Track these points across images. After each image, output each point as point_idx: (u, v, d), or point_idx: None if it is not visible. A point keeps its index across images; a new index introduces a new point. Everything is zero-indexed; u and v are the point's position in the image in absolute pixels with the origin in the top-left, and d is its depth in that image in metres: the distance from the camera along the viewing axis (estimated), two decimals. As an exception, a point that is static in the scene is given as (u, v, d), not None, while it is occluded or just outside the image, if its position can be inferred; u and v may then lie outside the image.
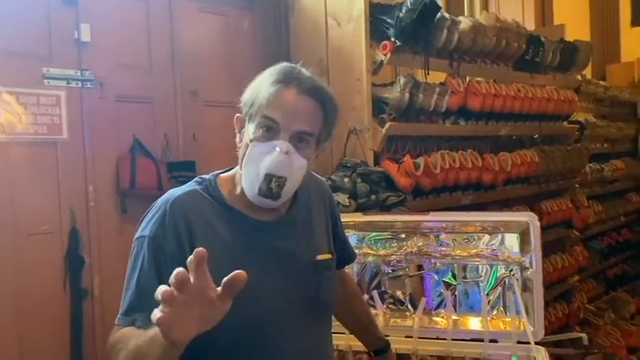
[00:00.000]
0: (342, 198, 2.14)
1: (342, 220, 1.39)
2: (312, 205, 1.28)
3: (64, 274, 2.12)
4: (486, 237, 1.89)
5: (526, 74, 3.24)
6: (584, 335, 1.82)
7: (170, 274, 1.07)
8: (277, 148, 1.10)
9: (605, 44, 5.77)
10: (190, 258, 0.83)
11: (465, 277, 1.93)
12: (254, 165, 1.11)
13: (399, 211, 2.11)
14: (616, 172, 4.87)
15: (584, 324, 3.79)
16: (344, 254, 1.37)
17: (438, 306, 1.92)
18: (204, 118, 2.62)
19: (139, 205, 2.31)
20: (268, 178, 1.10)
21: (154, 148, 2.40)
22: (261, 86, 1.13)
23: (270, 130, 1.12)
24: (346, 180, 2.21)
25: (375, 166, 2.36)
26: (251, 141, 1.12)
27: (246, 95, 1.15)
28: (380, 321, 1.88)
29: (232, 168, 1.24)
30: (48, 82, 2.07)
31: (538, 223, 1.79)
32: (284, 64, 1.17)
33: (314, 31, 2.59)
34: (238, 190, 1.18)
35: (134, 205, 2.27)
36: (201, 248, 0.83)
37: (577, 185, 3.90)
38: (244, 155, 1.14)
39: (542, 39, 3.23)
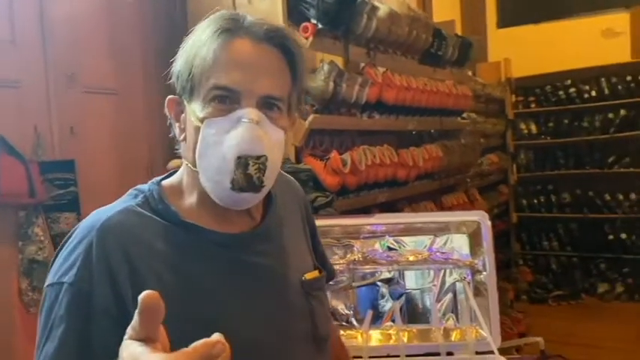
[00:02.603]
0: (267, 201, 1.85)
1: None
2: (289, 211, 0.99)
3: None
4: (434, 239, 1.74)
5: (430, 68, 3.19)
6: (540, 339, 1.74)
7: (101, 335, 0.71)
8: (244, 119, 0.79)
9: (474, 43, 6.06)
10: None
11: (412, 285, 1.76)
12: (215, 151, 0.80)
13: (333, 215, 1.87)
14: (492, 165, 5.11)
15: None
16: (325, 270, 1.07)
17: (387, 319, 1.71)
18: (85, 107, 2.18)
19: (4, 217, 1.85)
20: (242, 162, 0.79)
21: (22, 144, 1.92)
22: (198, 45, 0.81)
23: (225, 102, 0.81)
24: (269, 180, 1.92)
25: (297, 163, 2.10)
26: (202, 120, 0.80)
27: (179, 64, 0.83)
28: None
29: (173, 172, 0.91)
30: None
31: (489, 223, 1.68)
32: (221, 11, 0.86)
33: (218, 9, 2.24)
34: (190, 200, 0.86)
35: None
36: (150, 292, 0.53)
37: (468, 180, 3.99)
38: (195, 145, 0.82)
39: (444, 33, 3.20)
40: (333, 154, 2.14)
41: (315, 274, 0.95)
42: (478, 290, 1.70)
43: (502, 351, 1.61)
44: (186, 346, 0.56)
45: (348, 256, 1.70)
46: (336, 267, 1.71)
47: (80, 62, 2.15)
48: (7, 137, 1.88)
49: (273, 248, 0.90)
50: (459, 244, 1.73)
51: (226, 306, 0.80)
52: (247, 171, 0.80)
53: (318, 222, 1.71)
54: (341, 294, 1.73)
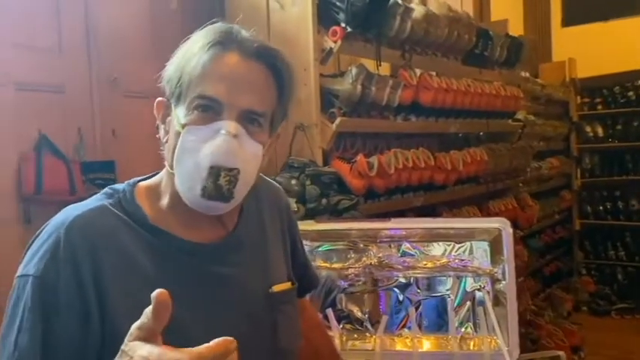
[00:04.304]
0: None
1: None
2: (266, 220, 1.00)
3: (-50, 301, 1.74)
4: (454, 246, 1.70)
5: (475, 69, 3.11)
6: (562, 353, 1.66)
7: (64, 329, 0.75)
8: (222, 131, 0.82)
9: (537, 43, 5.82)
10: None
11: (429, 291, 1.72)
12: (191, 158, 0.83)
13: (355, 218, 1.87)
14: (552, 169, 4.90)
15: (527, 324, 3.74)
16: (305, 280, 1.09)
17: (402, 325, 1.69)
18: (126, 110, 2.29)
19: (47, 214, 1.94)
20: (215, 171, 0.82)
21: (65, 145, 2.04)
22: (190, 54, 0.85)
23: (208, 111, 0.84)
24: (293, 182, 1.95)
25: (324, 165, 2.11)
26: (183, 126, 0.84)
27: (170, 69, 0.87)
28: (336, 343, 1.64)
29: (155, 174, 0.94)
30: None
31: (511, 230, 1.61)
32: (217, 24, 0.88)
33: (253, 15, 2.30)
34: (165, 203, 0.89)
35: (40, 215, 1.91)
36: (162, 290, 0.59)
37: (521, 184, 3.84)
38: (175, 149, 0.85)
39: (491, 33, 3.11)
40: (359, 157, 2.14)
41: (285, 286, 0.96)
42: (497, 299, 1.65)
43: (523, 363, 1.56)
44: None
45: (364, 259, 1.70)
46: (351, 271, 1.71)
47: (122, 67, 2.26)
48: (51, 138, 2.01)
49: (241, 259, 0.92)
50: (480, 251, 1.68)
51: (184, 314, 0.80)
52: (218, 181, 0.82)
53: (334, 225, 1.73)
54: (356, 298, 1.72)
